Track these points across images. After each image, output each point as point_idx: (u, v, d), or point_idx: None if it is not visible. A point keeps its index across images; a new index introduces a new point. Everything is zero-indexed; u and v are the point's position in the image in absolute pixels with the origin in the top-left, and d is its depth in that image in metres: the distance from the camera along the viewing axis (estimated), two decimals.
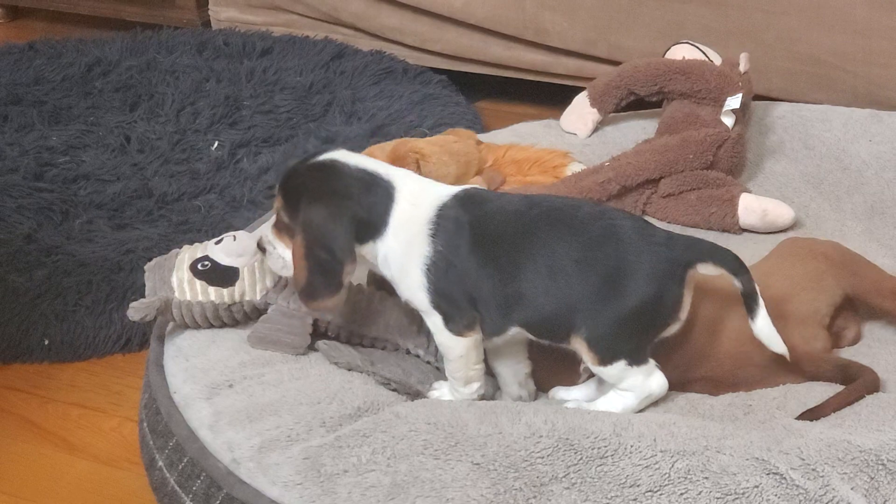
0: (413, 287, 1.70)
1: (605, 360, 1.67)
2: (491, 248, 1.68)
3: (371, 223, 1.69)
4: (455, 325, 1.69)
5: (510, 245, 1.68)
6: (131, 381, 2.27)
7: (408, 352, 1.84)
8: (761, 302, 1.67)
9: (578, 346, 1.67)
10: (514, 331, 1.71)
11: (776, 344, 1.68)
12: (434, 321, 1.71)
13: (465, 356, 1.72)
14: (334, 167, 1.72)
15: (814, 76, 2.88)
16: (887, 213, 2.23)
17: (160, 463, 1.73)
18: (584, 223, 1.69)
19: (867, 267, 1.92)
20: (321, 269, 1.68)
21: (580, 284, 1.65)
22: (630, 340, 1.66)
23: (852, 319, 1.90)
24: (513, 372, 1.81)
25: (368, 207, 1.69)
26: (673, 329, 1.69)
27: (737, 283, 1.68)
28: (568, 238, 1.67)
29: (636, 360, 1.67)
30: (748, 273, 1.68)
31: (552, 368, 1.81)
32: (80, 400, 2.27)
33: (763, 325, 1.67)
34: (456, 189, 1.74)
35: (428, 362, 1.83)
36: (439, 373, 1.81)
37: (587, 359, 1.68)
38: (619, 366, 1.67)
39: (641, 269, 1.65)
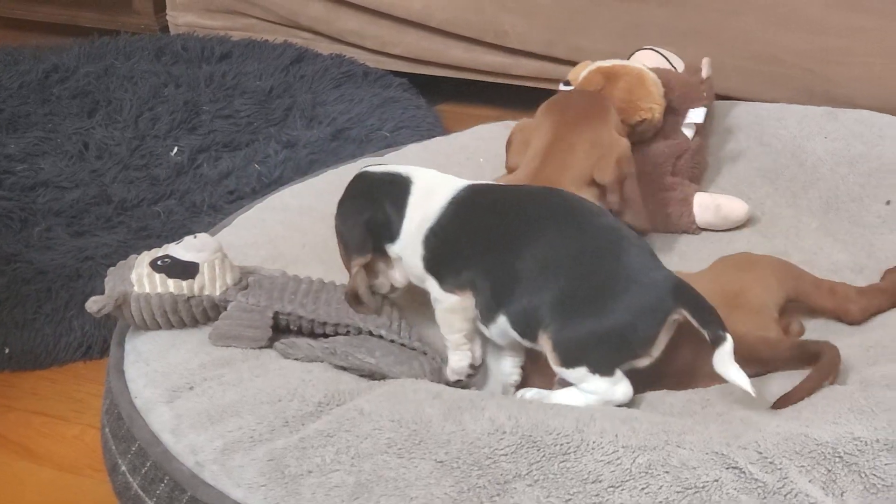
0: (413, 256, 1.78)
1: (567, 362, 1.68)
2: (493, 230, 1.74)
3: (391, 219, 1.81)
4: (447, 283, 1.76)
5: (513, 228, 1.73)
6: (93, 389, 2.26)
7: (370, 333, 1.84)
8: (728, 345, 1.63)
9: (544, 343, 1.68)
10: (502, 321, 1.72)
11: (739, 379, 1.62)
12: (431, 284, 1.78)
13: (451, 311, 1.77)
14: (360, 176, 1.88)
15: (770, 75, 2.90)
16: (842, 208, 2.25)
17: (123, 468, 1.72)
18: (596, 230, 1.72)
19: (806, 274, 1.96)
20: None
21: (565, 284, 1.67)
22: (594, 355, 1.67)
23: (794, 316, 1.93)
24: (504, 374, 1.82)
25: (388, 204, 1.82)
26: (643, 363, 1.69)
27: (705, 334, 1.64)
28: (574, 237, 1.70)
29: (600, 370, 1.67)
30: (716, 323, 1.65)
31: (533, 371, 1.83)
32: (41, 408, 2.26)
33: (727, 370, 1.63)
34: (474, 181, 1.83)
35: (392, 340, 1.84)
36: (403, 349, 1.83)
37: (550, 359, 1.68)
38: (581, 371, 1.67)
39: (626, 297, 1.65)
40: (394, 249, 1.81)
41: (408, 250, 1.79)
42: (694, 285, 1.83)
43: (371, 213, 1.82)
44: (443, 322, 1.80)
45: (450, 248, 1.75)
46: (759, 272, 1.91)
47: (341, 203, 1.87)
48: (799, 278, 1.94)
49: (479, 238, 1.74)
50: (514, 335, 1.73)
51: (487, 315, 1.74)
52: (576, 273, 1.67)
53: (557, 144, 2.04)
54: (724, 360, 1.62)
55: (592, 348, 1.66)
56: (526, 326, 1.70)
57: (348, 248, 1.83)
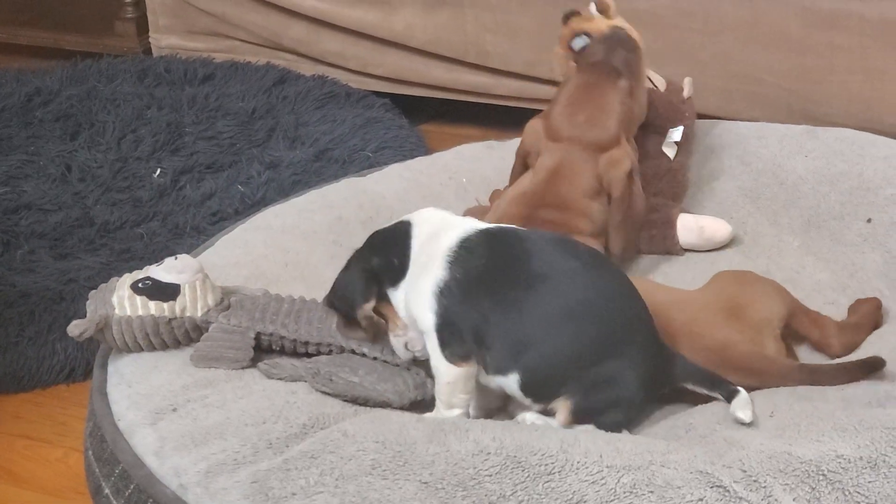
0: (422, 306, 1.72)
1: (578, 422, 1.70)
2: (507, 283, 1.70)
3: (394, 266, 1.76)
4: (450, 352, 1.71)
5: (527, 282, 1.70)
6: (76, 412, 2.26)
7: (352, 351, 1.84)
8: (744, 394, 1.69)
9: (561, 407, 1.69)
10: (514, 378, 1.71)
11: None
12: (431, 343, 1.73)
13: (452, 383, 1.73)
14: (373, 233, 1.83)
15: (749, 94, 2.91)
16: (823, 226, 2.25)
17: (106, 490, 1.72)
18: (609, 288, 1.72)
19: (797, 300, 1.97)
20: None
21: (583, 349, 1.68)
22: (606, 419, 1.70)
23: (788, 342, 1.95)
24: (486, 402, 1.81)
25: (390, 249, 1.77)
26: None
27: (718, 396, 1.71)
28: (588, 297, 1.70)
29: (606, 428, 1.69)
30: (725, 385, 1.72)
31: None
32: (24, 431, 2.26)
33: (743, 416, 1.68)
34: (488, 225, 1.78)
35: (374, 358, 1.83)
36: (387, 365, 1.82)
37: (562, 418, 1.70)
38: (589, 427, 1.70)
39: (640, 377, 1.69)
40: (397, 296, 1.77)
41: (416, 300, 1.74)
42: (697, 300, 1.85)
43: (373, 259, 1.78)
44: (441, 394, 1.75)
45: (462, 306, 1.70)
46: (763, 288, 1.93)
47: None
48: (793, 302, 1.95)
49: (492, 291, 1.70)
50: (518, 394, 1.73)
51: (499, 369, 1.71)
52: (592, 336, 1.68)
53: (564, 164, 2.10)
54: (742, 407, 1.67)
55: (606, 415, 1.70)
56: (544, 387, 1.70)
57: (352, 300, 1.77)
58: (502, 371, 1.71)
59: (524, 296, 1.69)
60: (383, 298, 1.78)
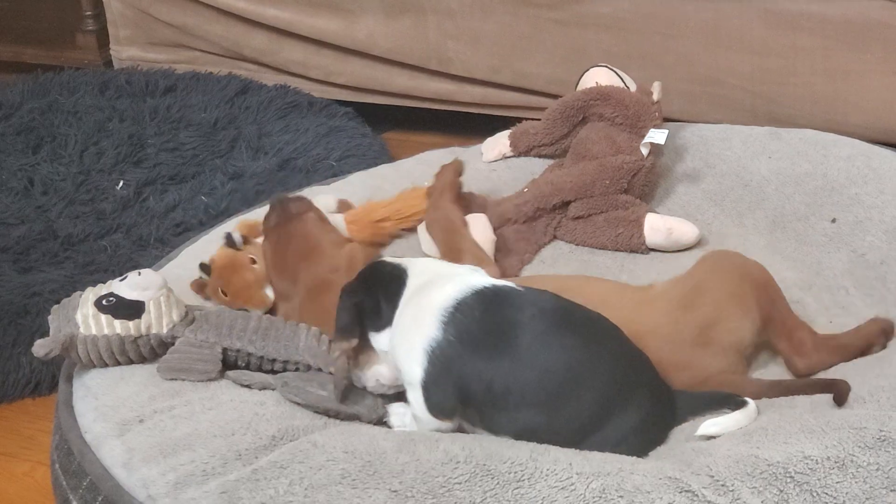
0: (411, 360, 1.70)
1: None
2: (503, 355, 1.67)
3: (381, 308, 1.74)
4: (434, 407, 1.69)
5: (524, 361, 1.67)
6: (42, 425, 2.25)
7: (319, 370, 1.84)
8: (752, 405, 1.69)
9: None
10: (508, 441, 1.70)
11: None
12: (415, 396, 1.71)
13: (432, 431, 1.72)
14: (369, 265, 1.82)
15: (713, 96, 2.92)
16: (788, 226, 2.26)
17: (74, 503, 1.71)
18: (610, 350, 1.70)
19: (781, 300, 1.92)
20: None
21: (586, 424, 1.66)
22: None
23: None
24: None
25: (380, 292, 1.74)
26: None
27: (726, 411, 1.69)
28: (588, 358, 1.68)
29: None
30: (733, 398, 1.70)
31: None
32: None
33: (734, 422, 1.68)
34: (484, 283, 1.74)
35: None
36: (353, 386, 1.81)
37: None
38: None
39: (643, 440, 1.68)
40: (379, 341, 1.75)
41: (404, 352, 1.71)
42: (668, 325, 1.83)
43: (361, 297, 1.74)
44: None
45: (452, 366, 1.68)
46: (742, 290, 1.88)
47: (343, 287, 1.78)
48: (772, 305, 1.90)
49: (483, 357, 1.67)
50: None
51: (486, 429, 1.69)
52: (588, 411, 1.66)
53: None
54: (742, 417, 1.67)
55: None
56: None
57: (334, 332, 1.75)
58: (494, 432, 1.69)
59: (515, 368, 1.66)
60: (366, 341, 1.76)
